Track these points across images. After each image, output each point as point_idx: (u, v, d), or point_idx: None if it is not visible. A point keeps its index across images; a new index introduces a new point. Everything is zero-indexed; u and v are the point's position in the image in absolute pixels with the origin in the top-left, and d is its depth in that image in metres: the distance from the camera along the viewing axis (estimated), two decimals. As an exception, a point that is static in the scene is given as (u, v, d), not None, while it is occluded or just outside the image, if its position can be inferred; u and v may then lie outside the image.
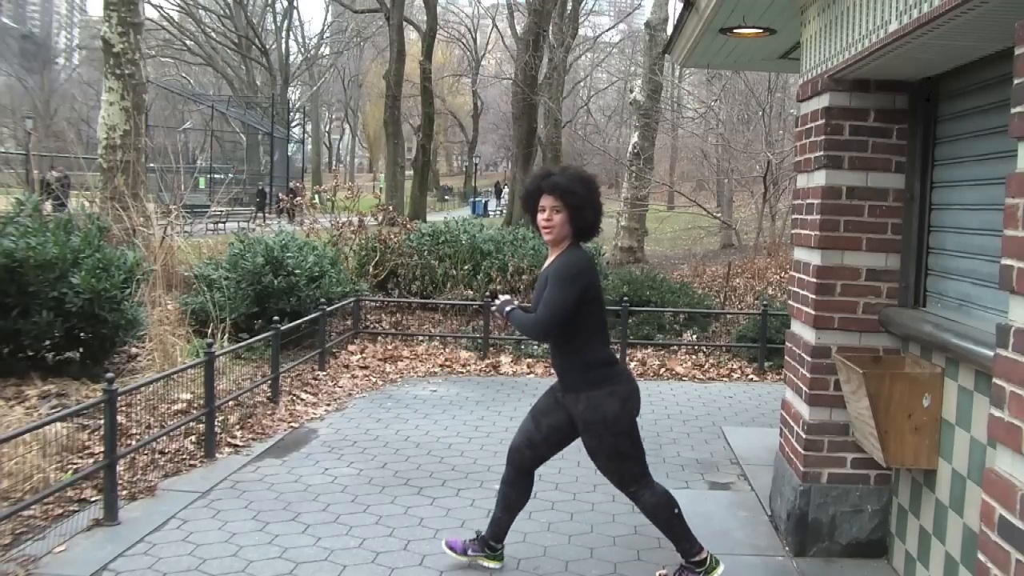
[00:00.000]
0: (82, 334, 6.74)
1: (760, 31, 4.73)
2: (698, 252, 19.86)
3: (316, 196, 13.64)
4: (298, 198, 17.79)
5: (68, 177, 18.61)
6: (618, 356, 8.53)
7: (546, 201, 3.52)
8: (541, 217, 3.54)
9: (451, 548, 3.90)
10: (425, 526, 4.40)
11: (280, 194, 26.53)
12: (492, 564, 3.89)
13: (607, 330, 3.66)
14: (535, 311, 3.54)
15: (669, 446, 5.97)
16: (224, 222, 22.26)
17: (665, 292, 9.68)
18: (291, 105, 51.03)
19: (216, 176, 30.62)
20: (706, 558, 3.64)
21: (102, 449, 4.52)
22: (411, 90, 42.71)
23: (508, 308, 3.67)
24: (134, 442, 5.10)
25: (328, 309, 8.14)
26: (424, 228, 11.95)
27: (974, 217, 3.30)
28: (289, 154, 43.25)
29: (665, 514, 3.61)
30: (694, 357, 8.94)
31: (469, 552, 3.88)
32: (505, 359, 8.54)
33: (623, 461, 3.55)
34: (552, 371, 4.08)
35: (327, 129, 71.15)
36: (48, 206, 11.19)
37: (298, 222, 13.14)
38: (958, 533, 3.16)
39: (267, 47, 46.29)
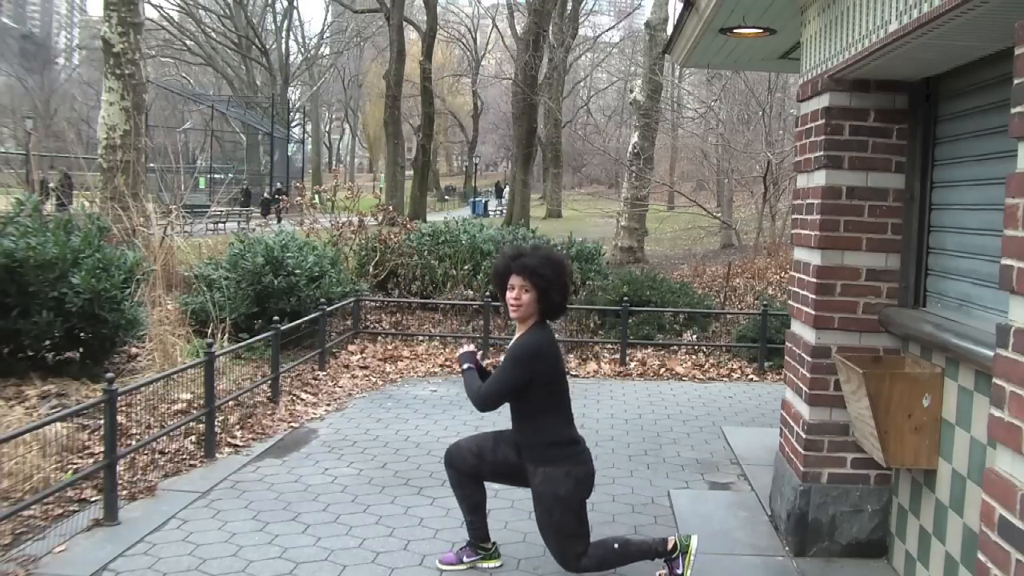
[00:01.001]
0: (82, 334, 6.74)
1: (760, 31, 4.73)
2: (698, 252, 19.86)
3: (316, 196, 13.63)
4: (283, 199, 17.81)
5: (70, 177, 18.63)
6: (620, 357, 8.63)
7: (515, 280, 3.59)
8: (510, 295, 3.61)
9: (448, 563, 3.90)
10: (425, 526, 4.40)
11: (265, 194, 26.51)
12: (492, 564, 3.92)
13: (570, 409, 3.71)
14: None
15: (669, 446, 5.97)
16: (224, 222, 22.27)
17: (665, 292, 9.68)
18: (291, 105, 51.02)
19: (216, 176, 30.64)
20: (675, 543, 3.68)
21: (102, 449, 4.52)
22: (411, 90, 42.73)
23: (465, 366, 3.75)
24: (134, 442, 5.10)
25: (328, 309, 8.14)
26: (424, 228, 11.94)
27: (974, 217, 3.30)
28: (289, 154, 43.24)
29: (612, 557, 3.66)
30: (694, 357, 8.94)
31: (464, 559, 3.91)
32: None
33: (566, 538, 3.62)
34: None
35: (327, 129, 71.15)
36: (49, 206, 11.19)
37: (297, 222, 13.11)
38: (958, 533, 3.16)
39: (267, 47, 46.28)
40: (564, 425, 3.65)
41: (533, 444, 3.64)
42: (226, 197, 23.48)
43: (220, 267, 8.71)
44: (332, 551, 4.05)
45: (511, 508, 4.63)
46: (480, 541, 3.92)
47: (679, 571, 3.64)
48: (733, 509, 4.70)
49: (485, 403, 3.62)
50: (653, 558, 3.70)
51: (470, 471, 3.83)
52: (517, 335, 3.69)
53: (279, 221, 20.18)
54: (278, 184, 32.66)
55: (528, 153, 28.92)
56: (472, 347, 3.86)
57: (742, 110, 20.18)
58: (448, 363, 8.51)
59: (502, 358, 3.76)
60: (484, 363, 3.84)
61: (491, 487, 4.95)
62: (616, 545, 3.67)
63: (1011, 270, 2.10)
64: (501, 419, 6.47)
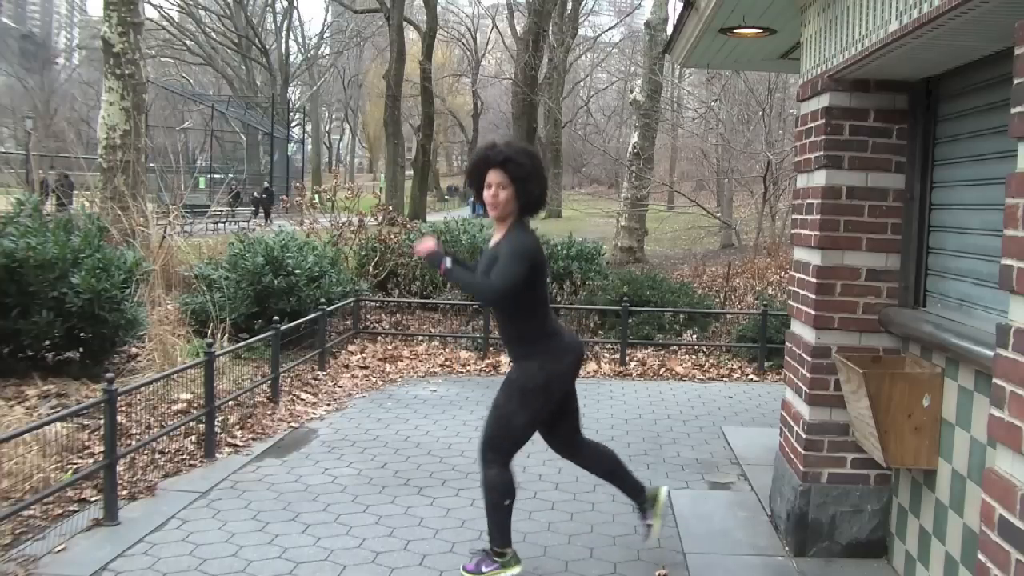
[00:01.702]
0: (82, 334, 6.74)
1: (760, 31, 4.73)
2: (698, 252, 19.86)
3: (316, 196, 13.62)
4: (283, 199, 17.72)
5: (69, 177, 18.63)
6: (620, 357, 8.62)
7: (492, 176, 3.57)
8: (488, 193, 3.60)
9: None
10: (425, 526, 4.40)
11: (255, 193, 26.34)
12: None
13: (548, 305, 3.75)
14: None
15: (669, 446, 5.97)
16: (224, 222, 22.26)
17: (665, 292, 9.68)
18: (291, 105, 51.05)
19: (216, 176, 30.63)
20: (509, 555, 3.68)
21: (102, 449, 4.52)
22: (411, 90, 42.72)
23: (447, 262, 3.55)
24: (134, 442, 5.10)
25: (328, 309, 8.14)
26: (424, 228, 11.95)
27: (974, 217, 3.30)
28: (289, 154, 43.24)
29: (495, 497, 3.63)
30: (694, 357, 8.94)
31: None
32: (505, 359, 8.54)
33: (507, 429, 3.61)
34: None
35: (327, 129, 71.17)
36: (49, 206, 11.19)
37: (297, 222, 13.10)
38: (958, 533, 3.16)
39: (267, 47, 46.29)
40: (543, 319, 3.68)
41: (514, 338, 3.69)
42: (226, 197, 23.48)
43: (220, 267, 8.71)
44: (332, 551, 4.05)
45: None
46: (637, 495, 3.95)
47: (484, 568, 3.65)
48: (733, 509, 4.70)
49: (498, 294, 3.49)
50: (490, 538, 3.68)
51: (567, 448, 3.86)
52: (496, 236, 3.69)
53: (267, 220, 20.15)
54: (266, 184, 31.85)
55: (528, 153, 28.86)
56: (430, 240, 3.68)
57: (742, 110, 20.17)
58: (448, 363, 8.51)
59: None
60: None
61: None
62: (507, 501, 3.64)
63: (1011, 270, 2.10)
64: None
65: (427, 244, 3.64)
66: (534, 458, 5.19)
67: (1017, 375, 2.06)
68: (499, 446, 3.64)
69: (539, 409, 3.65)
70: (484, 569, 3.69)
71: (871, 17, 3.27)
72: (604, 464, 3.95)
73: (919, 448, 3.37)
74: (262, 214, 26.28)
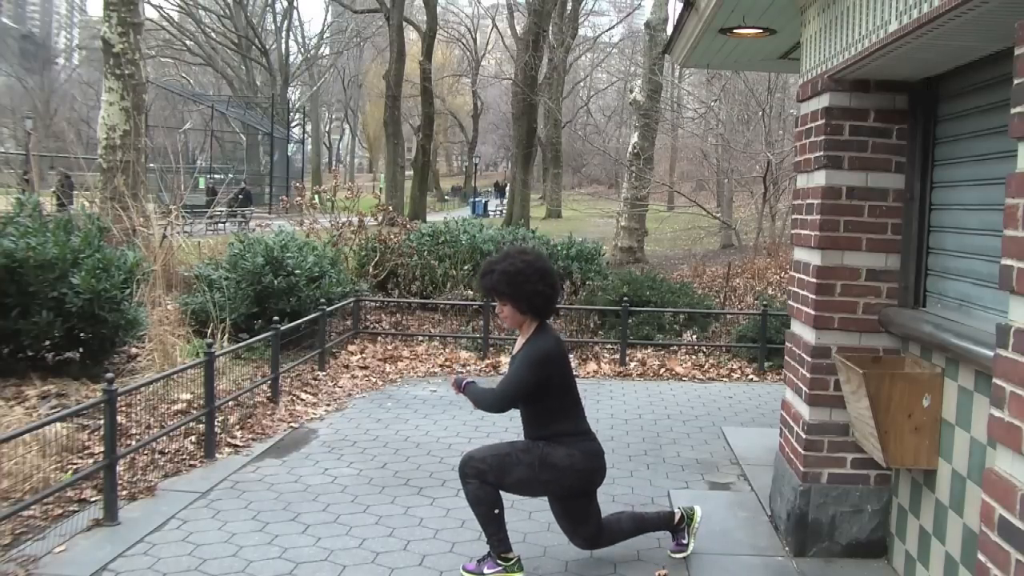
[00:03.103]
0: (82, 334, 6.74)
1: (760, 31, 4.73)
2: (698, 252, 19.87)
3: (316, 196, 13.62)
4: (285, 199, 17.51)
5: (70, 177, 18.61)
6: (620, 357, 8.62)
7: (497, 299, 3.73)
8: (497, 308, 3.78)
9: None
10: (425, 526, 4.40)
11: (238, 193, 25.98)
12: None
13: (580, 408, 3.79)
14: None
15: (669, 446, 5.97)
16: (224, 222, 22.23)
17: (665, 292, 9.68)
18: (291, 105, 51.03)
19: (216, 176, 30.57)
20: (514, 559, 3.70)
21: (102, 449, 4.52)
22: (411, 90, 42.70)
23: (466, 381, 3.81)
24: (134, 442, 5.10)
25: (328, 309, 8.14)
26: (424, 228, 11.94)
27: (974, 217, 3.30)
28: (289, 154, 43.22)
29: (484, 510, 3.67)
30: (694, 357, 8.94)
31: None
32: (505, 359, 8.54)
33: (499, 467, 3.63)
34: None
35: (327, 129, 71.16)
36: (49, 206, 11.18)
37: (298, 221, 13.08)
38: (958, 533, 3.15)
39: (267, 47, 46.26)
40: (576, 420, 3.75)
41: (546, 438, 3.71)
42: (225, 197, 23.45)
43: (220, 267, 8.71)
44: (332, 551, 4.05)
45: (511, 508, 4.62)
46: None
47: (486, 570, 3.68)
48: (733, 509, 4.70)
49: (503, 402, 3.68)
50: (490, 545, 3.70)
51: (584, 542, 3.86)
52: (520, 340, 3.78)
53: (246, 223, 19.76)
54: (242, 184, 30.22)
55: (528, 153, 28.91)
56: (459, 374, 3.91)
57: (742, 110, 20.17)
58: (448, 363, 8.50)
59: (507, 362, 3.80)
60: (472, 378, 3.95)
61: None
62: (496, 511, 3.67)
63: (1011, 270, 2.10)
64: (501, 419, 6.49)
65: (457, 377, 3.88)
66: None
67: (1017, 375, 2.06)
68: (482, 473, 3.64)
69: (540, 485, 3.67)
70: (486, 570, 3.70)
71: (871, 17, 3.27)
72: (626, 527, 3.94)
73: (919, 448, 3.37)
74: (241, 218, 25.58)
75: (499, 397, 3.66)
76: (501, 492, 3.70)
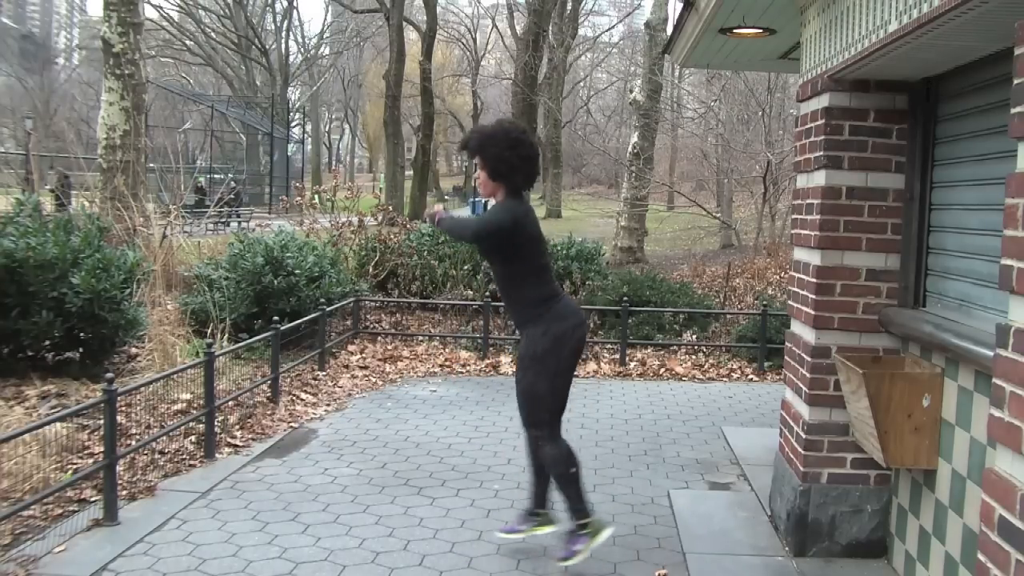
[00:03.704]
0: (82, 334, 6.73)
1: (760, 31, 4.73)
2: (698, 252, 19.87)
3: (316, 196, 13.62)
4: (287, 199, 17.36)
5: (68, 177, 18.61)
6: (620, 357, 8.62)
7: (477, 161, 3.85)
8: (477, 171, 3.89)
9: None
10: (425, 526, 4.40)
11: (219, 193, 25.67)
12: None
13: (549, 272, 3.88)
14: None
15: (669, 446, 5.97)
16: (219, 222, 22.21)
17: (665, 292, 9.68)
18: (291, 105, 51.00)
19: (216, 176, 30.54)
20: (590, 522, 3.78)
21: (102, 449, 4.53)
22: (411, 90, 42.69)
23: (442, 214, 3.98)
24: (134, 442, 5.10)
25: (328, 309, 8.14)
26: (424, 228, 11.94)
27: (974, 217, 3.30)
28: (289, 154, 43.20)
29: (560, 469, 3.76)
30: (694, 357, 8.94)
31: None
32: (505, 359, 8.54)
33: (535, 400, 3.74)
34: None
35: (327, 129, 71.14)
36: (48, 206, 11.19)
37: (298, 221, 13.07)
38: (958, 533, 3.16)
39: (267, 47, 46.24)
40: (544, 284, 3.81)
41: (516, 306, 3.83)
42: (226, 198, 23.41)
43: (220, 267, 8.71)
44: (332, 551, 4.05)
45: (511, 509, 4.63)
46: (537, 506, 4.05)
47: (577, 547, 3.74)
48: (733, 509, 4.70)
49: (476, 234, 3.84)
50: (571, 514, 3.79)
51: (557, 408, 3.86)
52: None
53: (236, 222, 19.54)
54: (232, 183, 29.15)
55: (528, 153, 28.84)
56: (437, 206, 4.06)
57: (742, 110, 20.18)
58: (448, 363, 8.51)
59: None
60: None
61: (491, 485, 4.96)
62: (572, 469, 3.77)
63: (1011, 270, 2.10)
64: (501, 419, 6.48)
65: (433, 209, 4.06)
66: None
67: (1017, 375, 2.06)
68: (537, 420, 3.75)
69: (556, 369, 3.72)
70: (577, 547, 3.76)
71: (871, 17, 3.27)
72: (545, 469, 3.97)
73: (919, 448, 3.37)
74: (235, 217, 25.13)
75: (472, 227, 3.85)
76: (573, 450, 3.81)
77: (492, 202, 3.90)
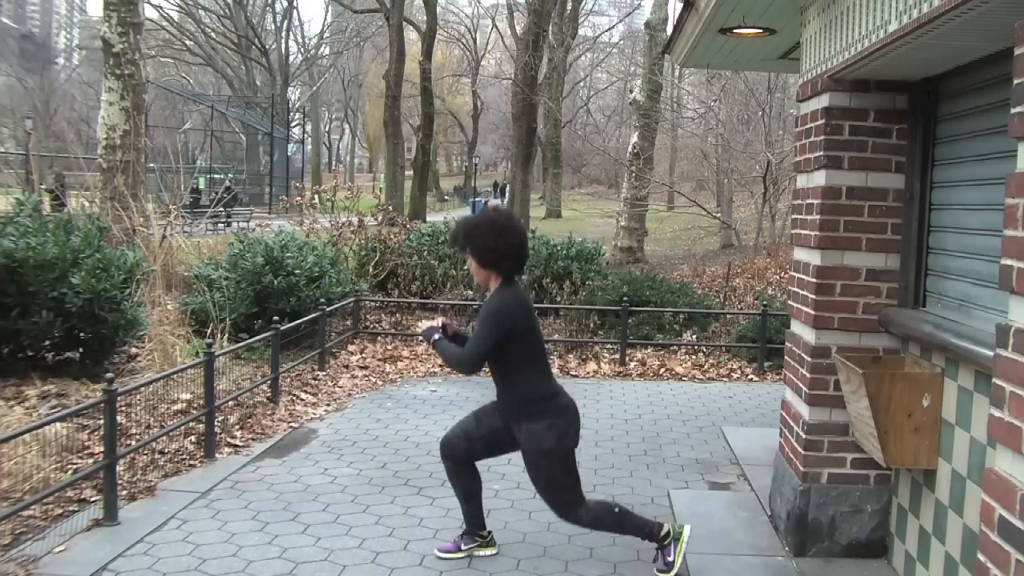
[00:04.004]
0: (82, 334, 6.73)
1: (760, 31, 4.73)
2: (698, 252, 19.87)
3: (316, 196, 13.62)
4: (288, 199, 17.22)
5: (64, 176, 18.62)
6: (620, 357, 8.62)
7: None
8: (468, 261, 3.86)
9: (446, 551, 4.01)
10: (425, 526, 4.40)
11: (213, 192, 25.38)
12: (488, 551, 4.04)
13: (546, 362, 3.83)
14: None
15: (669, 446, 5.97)
16: (224, 222, 22.22)
17: (665, 292, 9.68)
18: (291, 105, 51.00)
19: (216, 176, 30.53)
20: (669, 530, 3.77)
21: (102, 449, 4.53)
22: (411, 90, 42.69)
23: (435, 337, 3.82)
24: (134, 442, 5.10)
25: (328, 309, 8.14)
26: (424, 228, 11.94)
27: (974, 217, 3.30)
28: (289, 154, 43.20)
29: (609, 520, 3.77)
30: (694, 357, 8.94)
31: (463, 547, 4.01)
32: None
33: (558, 490, 3.74)
34: None
35: (327, 129, 71.14)
36: (47, 205, 11.20)
37: (298, 221, 13.07)
38: (958, 533, 3.16)
39: (267, 47, 46.25)
40: (542, 379, 3.75)
41: (513, 402, 3.75)
42: (226, 198, 23.40)
43: (220, 267, 8.71)
44: (332, 551, 4.05)
45: (511, 508, 4.63)
46: (477, 529, 4.03)
47: (670, 558, 3.73)
48: (733, 509, 4.70)
49: (468, 366, 3.71)
50: (645, 538, 3.79)
51: (465, 456, 3.93)
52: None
53: (229, 223, 19.30)
54: (227, 183, 28.66)
55: (528, 153, 28.86)
56: (434, 322, 3.92)
57: (742, 110, 20.17)
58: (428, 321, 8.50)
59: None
60: (451, 330, 3.90)
61: (491, 486, 4.96)
62: (616, 509, 3.78)
63: (1011, 270, 2.10)
64: (501, 419, 6.47)
65: (428, 325, 3.89)
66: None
67: (1017, 375, 2.06)
68: (565, 504, 3.74)
69: (565, 454, 3.72)
70: (671, 558, 3.75)
71: (871, 17, 3.27)
72: (468, 486, 3.98)
73: (919, 448, 3.37)
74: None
75: (466, 361, 3.69)
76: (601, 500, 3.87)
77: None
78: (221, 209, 21.14)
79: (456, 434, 3.95)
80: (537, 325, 3.79)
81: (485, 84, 54.58)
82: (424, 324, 3.92)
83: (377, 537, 4.24)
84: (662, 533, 3.75)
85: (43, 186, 17.12)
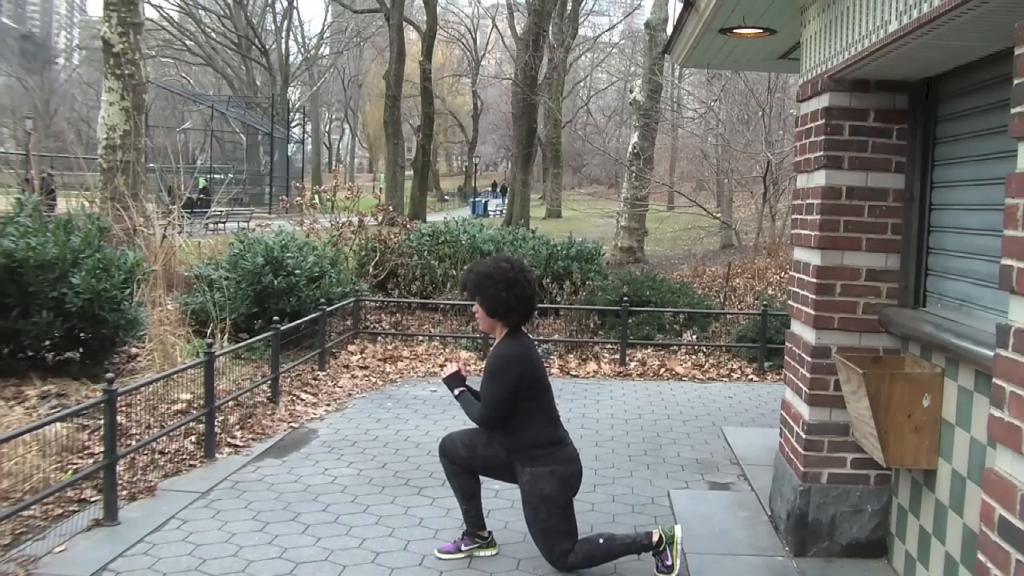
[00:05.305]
0: (82, 334, 6.73)
1: (760, 31, 4.73)
2: (698, 252, 19.87)
3: (316, 196, 13.62)
4: (282, 199, 17.01)
5: (52, 176, 18.62)
6: (620, 357, 8.62)
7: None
8: (474, 308, 3.91)
9: (446, 552, 4.01)
10: (425, 526, 4.40)
11: (189, 193, 24.76)
12: (488, 552, 4.03)
13: (553, 410, 3.84)
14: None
15: (669, 446, 5.97)
16: (224, 222, 22.22)
17: (665, 292, 9.68)
18: (291, 105, 51.00)
19: (216, 176, 30.52)
20: (660, 536, 3.74)
21: (102, 449, 4.52)
22: (411, 90, 42.71)
23: (456, 391, 3.90)
24: (134, 442, 5.10)
25: (328, 309, 8.14)
26: (424, 228, 11.94)
27: (974, 217, 3.30)
28: (289, 154, 43.21)
29: (599, 552, 3.75)
30: (694, 357, 8.94)
31: (463, 548, 4.01)
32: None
33: (553, 536, 3.74)
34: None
35: (327, 129, 71.15)
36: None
37: (298, 221, 13.07)
38: (958, 533, 3.16)
39: (267, 47, 46.26)
40: (548, 426, 3.78)
41: (519, 447, 3.76)
42: (226, 197, 23.41)
43: (220, 267, 8.71)
44: (332, 551, 4.05)
45: (511, 508, 4.63)
46: (477, 529, 4.03)
47: (668, 562, 3.70)
48: (733, 509, 4.70)
49: (487, 425, 3.78)
50: (639, 552, 3.77)
51: (462, 463, 3.94)
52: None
53: (204, 225, 18.94)
54: (203, 183, 27.97)
55: (528, 153, 28.90)
56: (453, 366, 3.95)
57: (742, 110, 20.18)
58: (448, 363, 8.49)
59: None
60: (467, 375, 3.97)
61: (491, 486, 4.95)
62: (601, 540, 3.76)
63: (1011, 270, 2.10)
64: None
65: (450, 371, 3.96)
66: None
67: (1017, 375, 2.06)
68: (559, 551, 3.74)
69: (564, 502, 3.74)
70: (668, 561, 3.74)
71: (871, 17, 3.27)
72: (467, 487, 3.99)
73: (919, 448, 3.37)
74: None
75: (482, 420, 3.76)
76: (589, 535, 3.84)
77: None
78: (190, 211, 20.68)
79: (462, 439, 3.95)
80: (544, 375, 3.81)
81: (485, 84, 54.61)
82: (449, 368, 3.96)
83: (377, 537, 4.24)
84: (654, 541, 3.73)
85: (35, 181, 17.10)
